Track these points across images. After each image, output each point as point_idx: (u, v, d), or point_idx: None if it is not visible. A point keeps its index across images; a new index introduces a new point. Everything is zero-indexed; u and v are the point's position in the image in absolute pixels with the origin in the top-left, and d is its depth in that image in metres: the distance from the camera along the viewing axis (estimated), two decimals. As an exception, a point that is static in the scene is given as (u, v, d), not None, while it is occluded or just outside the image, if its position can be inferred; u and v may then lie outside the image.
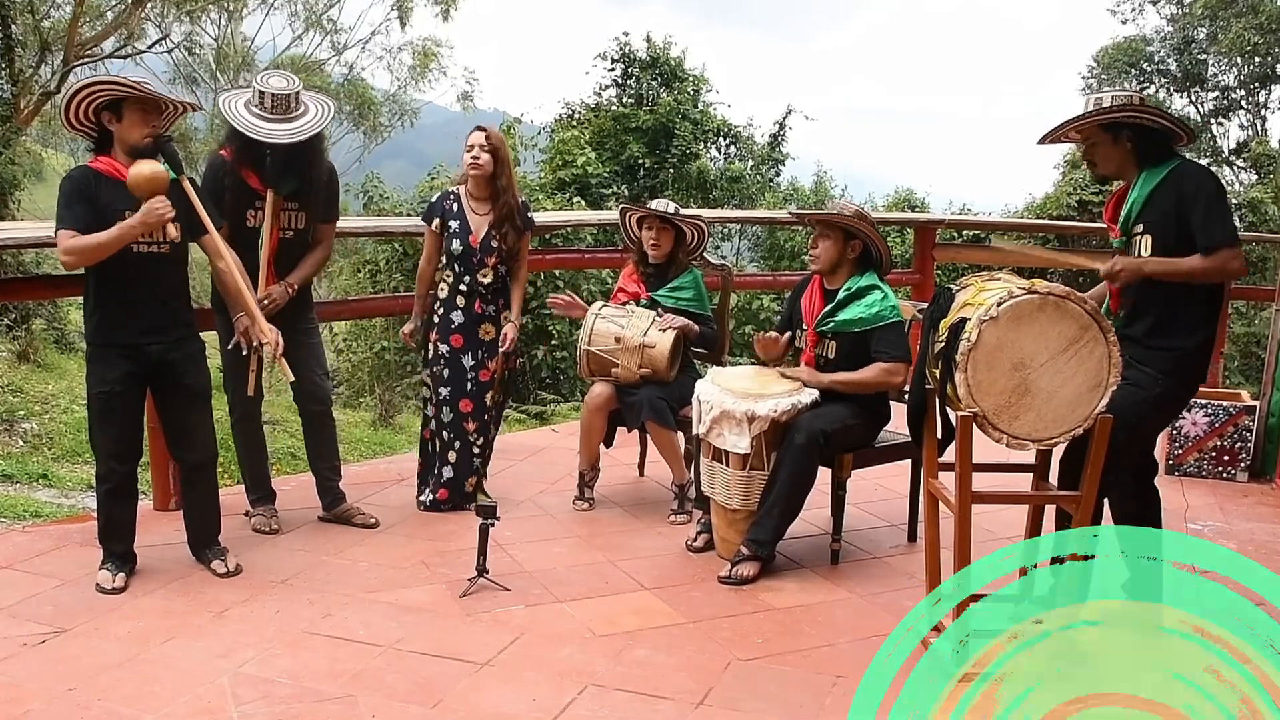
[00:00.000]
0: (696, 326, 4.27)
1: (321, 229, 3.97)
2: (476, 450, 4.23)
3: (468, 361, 4.17)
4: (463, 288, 4.13)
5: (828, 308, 3.73)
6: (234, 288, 3.49)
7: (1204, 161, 15.66)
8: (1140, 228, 3.00)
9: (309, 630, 3.15)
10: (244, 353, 3.75)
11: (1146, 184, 2.99)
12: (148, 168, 3.23)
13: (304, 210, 3.86)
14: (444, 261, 4.17)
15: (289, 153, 3.70)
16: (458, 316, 4.15)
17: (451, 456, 4.23)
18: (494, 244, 4.11)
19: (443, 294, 4.18)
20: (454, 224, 4.12)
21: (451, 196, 4.18)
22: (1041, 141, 3.18)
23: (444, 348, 4.18)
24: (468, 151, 4.09)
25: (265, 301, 3.71)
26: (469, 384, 4.17)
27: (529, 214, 4.26)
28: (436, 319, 4.19)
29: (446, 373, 4.17)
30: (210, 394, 3.60)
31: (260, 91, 3.68)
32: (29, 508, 7.42)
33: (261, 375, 3.87)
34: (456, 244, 4.10)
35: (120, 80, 3.26)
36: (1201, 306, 3.00)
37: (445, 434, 4.22)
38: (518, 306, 4.24)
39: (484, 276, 4.12)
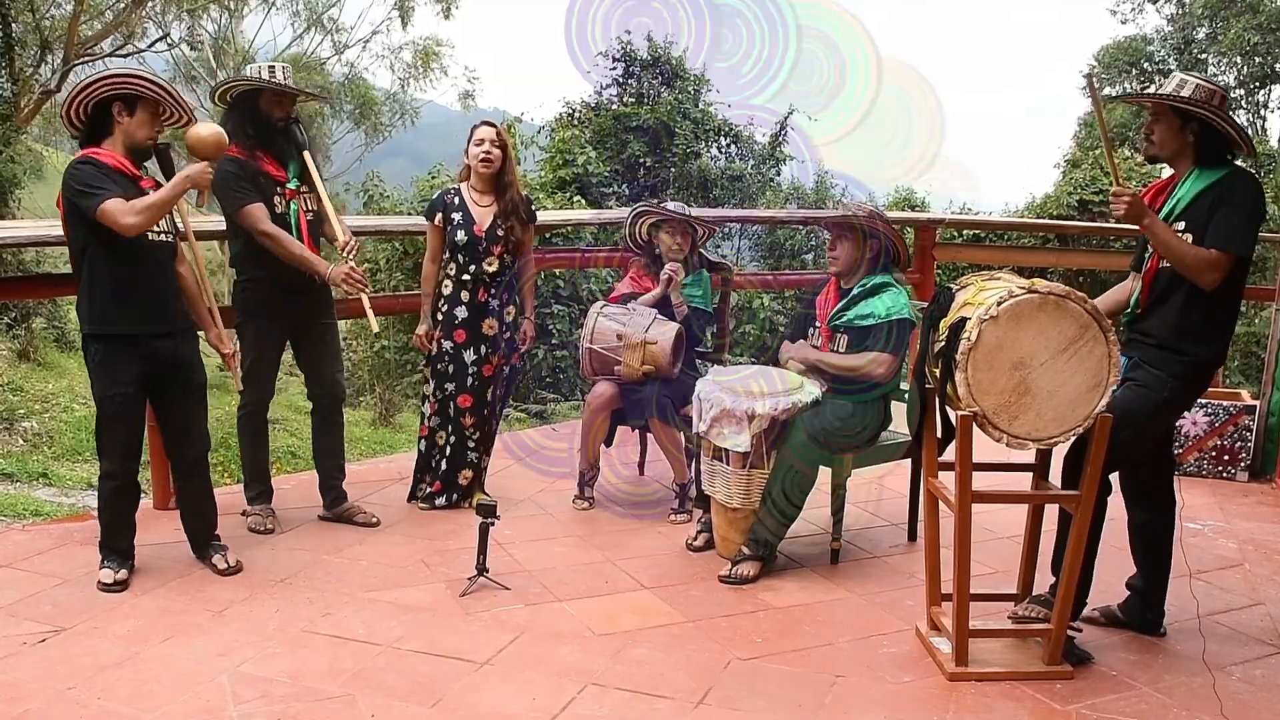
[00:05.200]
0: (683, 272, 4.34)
1: (322, 206, 4.09)
2: (472, 444, 4.23)
3: (469, 356, 4.17)
4: (466, 278, 4.14)
5: (841, 303, 3.75)
6: (193, 292, 3.57)
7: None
8: (1181, 225, 2.96)
9: (308, 629, 3.15)
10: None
11: (1197, 184, 2.95)
12: (210, 130, 3.35)
13: (312, 192, 3.97)
14: (448, 254, 4.18)
15: (293, 132, 3.91)
16: (461, 311, 4.16)
17: (448, 450, 4.24)
18: (499, 233, 4.13)
19: (446, 290, 4.19)
20: (457, 216, 4.14)
21: (452, 192, 4.20)
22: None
23: (447, 344, 4.19)
24: (477, 146, 4.11)
25: (353, 240, 3.89)
26: (470, 379, 4.17)
27: (531, 207, 4.28)
28: (440, 316, 4.20)
29: (451, 369, 4.18)
30: (206, 388, 3.62)
31: (271, 66, 3.91)
32: (29, 506, 7.43)
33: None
34: (461, 234, 4.12)
35: (146, 77, 3.29)
36: (1220, 315, 2.96)
37: (446, 428, 4.23)
38: (530, 304, 4.33)
39: (489, 265, 4.13)
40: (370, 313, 3.88)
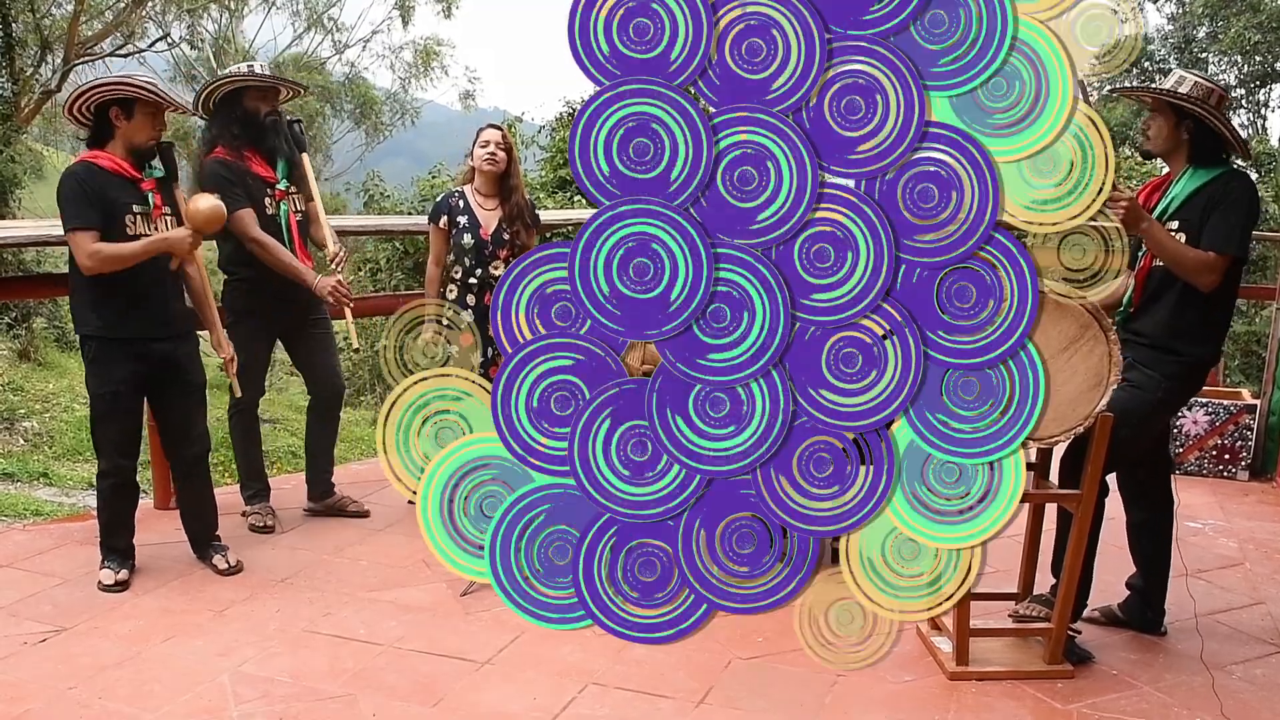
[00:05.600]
0: None
1: (311, 206, 4.09)
2: None
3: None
4: (472, 281, 4.14)
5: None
6: (201, 294, 3.55)
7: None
8: (1175, 224, 2.96)
9: (309, 629, 3.15)
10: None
11: (1191, 182, 2.95)
12: (205, 204, 3.32)
13: (300, 192, 3.98)
14: (453, 258, 4.18)
15: (282, 129, 3.90)
16: (466, 315, 4.16)
17: None
18: (505, 236, 4.14)
19: (451, 295, 4.20)
20: (462, 219, 4.14)
21: (456, 195, 4.20)
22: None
23: (453, 348, 4.18)
24: (483, 148, 4.12)
25: (341, 250, 3.92)
26: None
27: (535, 212, 4.30)
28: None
29: None
30: (206, 388, 3.62)
31: (250, 64, 3.93)
32: (29, 506, 7.42)
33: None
34: (467, 238, 4.12)
35: (138, 82, 3.28)
36: (1215, 315, 2.96)
37: None
38: None
39: (495, 269, 4.13)
40: (352, 328, 3.90)
